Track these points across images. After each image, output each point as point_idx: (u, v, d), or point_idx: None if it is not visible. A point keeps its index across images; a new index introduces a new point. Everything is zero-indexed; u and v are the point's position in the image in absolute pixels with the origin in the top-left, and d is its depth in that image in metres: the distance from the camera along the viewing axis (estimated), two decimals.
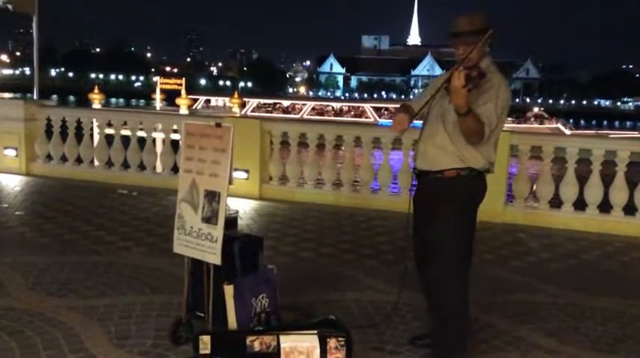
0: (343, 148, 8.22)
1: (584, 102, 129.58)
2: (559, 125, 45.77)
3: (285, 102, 54.13)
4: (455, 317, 3.36)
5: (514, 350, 3.69)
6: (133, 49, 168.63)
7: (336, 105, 53.16)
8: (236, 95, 41.52)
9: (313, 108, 49.50)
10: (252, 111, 48.59)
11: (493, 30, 3.15)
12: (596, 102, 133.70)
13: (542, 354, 3.66)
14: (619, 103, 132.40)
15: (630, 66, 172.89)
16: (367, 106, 48.91)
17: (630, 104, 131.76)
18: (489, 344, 3.72)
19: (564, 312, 4.35)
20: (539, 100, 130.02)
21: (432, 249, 3.33)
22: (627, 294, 4.82)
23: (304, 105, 51.25)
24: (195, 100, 50.55)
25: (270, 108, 51.19)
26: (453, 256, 3.30)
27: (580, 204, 7.21)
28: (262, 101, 53.99)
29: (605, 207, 7.16)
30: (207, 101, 53.72)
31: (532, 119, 49.67)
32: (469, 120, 3.08)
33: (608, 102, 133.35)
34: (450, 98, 3.07)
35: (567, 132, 38.67)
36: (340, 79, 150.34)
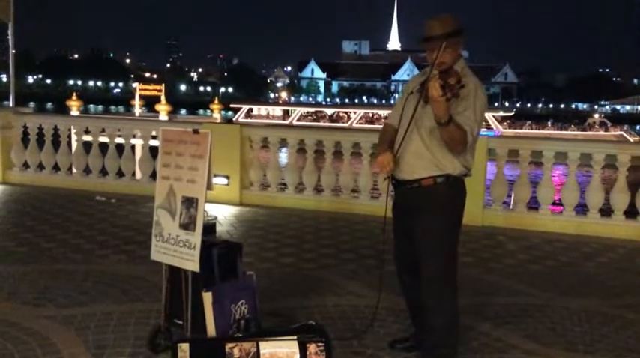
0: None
1: (562, 105, 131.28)
2: (623, 132, 45.47)
3: (329, 111, 52.59)
4: (449, 326, 3.35)
5: (492, 351, 3.72)
6: (111, 55, 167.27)
7: (383, 112, 51.73)
8: (216, 101, 41.15)
9: (361, 117, 47.75)
10: (298, 120, 47.40)
11: (461, 29, 3.12)
12: (573, 106, 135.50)
13: (519, 355, 3.69)
14: (596, 106, 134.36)
15: (606, 69, 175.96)
16: None
17: (607, 107, 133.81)
18: (467, 346, 3.74)
19: (542, 313, 4.40)
20: (518, 104, 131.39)
21: (421, 258, 3.30)
22: (604, 295, 4.89)
23: (348, 113, 49.23)
24: (238, 109, 49.01)
25: (314, 117, 49.96)
26: (442, 264, 3.28)
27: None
28: (306, 110, 52.44)
29: (582, 209, 7.27)
30: (250, 110, 50.84)
31: (597, 126, 49.33)
32: (451, 129, 3.05)
33: (585, 106, 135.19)
34: (431, 106, 3.03)
35: (631, 139, 38.33)
36: (321, 84, 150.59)
